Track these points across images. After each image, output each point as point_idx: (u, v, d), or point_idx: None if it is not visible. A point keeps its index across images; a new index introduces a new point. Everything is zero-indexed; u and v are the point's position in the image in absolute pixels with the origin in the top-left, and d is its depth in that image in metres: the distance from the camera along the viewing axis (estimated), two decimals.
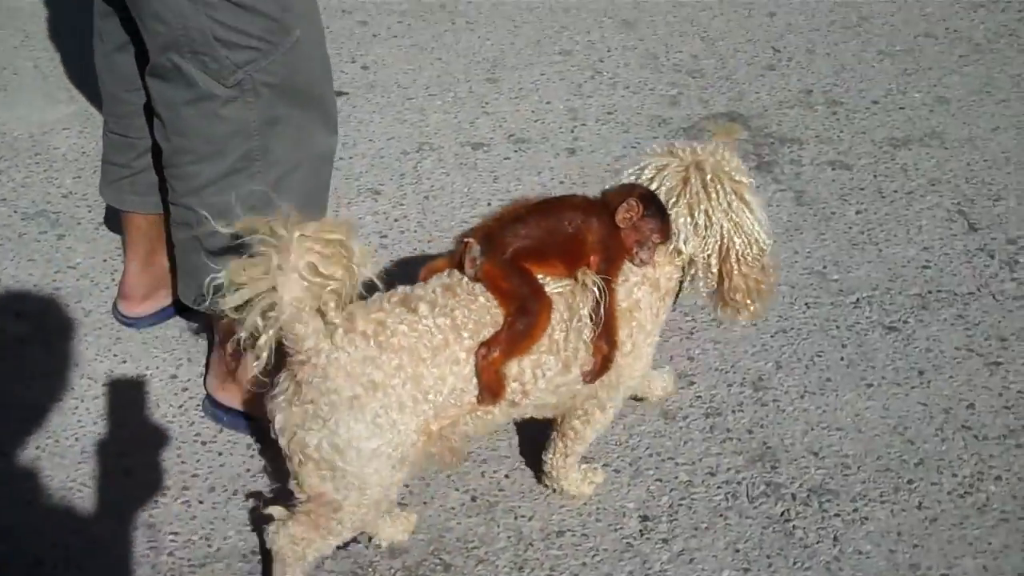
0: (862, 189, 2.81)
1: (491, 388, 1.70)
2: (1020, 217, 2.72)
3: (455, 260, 1.73)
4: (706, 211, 1.79)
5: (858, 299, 2.47)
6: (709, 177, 1.78)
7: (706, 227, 1.79)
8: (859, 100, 3.16)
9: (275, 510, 1.76)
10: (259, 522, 1.91)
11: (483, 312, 1.69)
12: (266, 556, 1.85)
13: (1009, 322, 2.42)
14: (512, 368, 1.72)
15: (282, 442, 1.68)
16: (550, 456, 2.00)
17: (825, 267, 2.55)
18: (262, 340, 1.55)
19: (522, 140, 2.94)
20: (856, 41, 3.43)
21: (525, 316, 1.68)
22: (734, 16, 3.54)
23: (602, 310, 1.72)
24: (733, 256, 1.80)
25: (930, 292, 2.49)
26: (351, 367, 1.63)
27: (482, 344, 1.68)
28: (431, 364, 1.66)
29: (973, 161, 2.92)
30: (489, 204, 2.67)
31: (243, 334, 1.55)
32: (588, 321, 1.73)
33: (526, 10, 3.53)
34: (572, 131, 2.99)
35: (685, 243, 1.80)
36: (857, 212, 2.73)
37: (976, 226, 2.68)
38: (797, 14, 3.56)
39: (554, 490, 2.04)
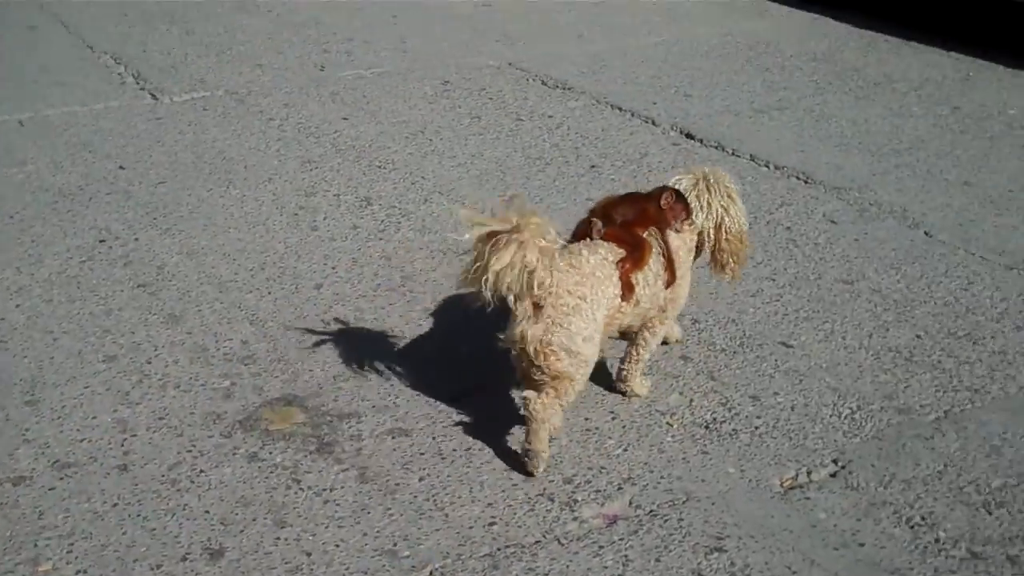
0: (423, 454, 2.84)
1: (628, 287, 2.78)
2: (572, 455, 2.83)
3: (581, 233, 2.89)
4: (708, 200, 2.99)
5: (430, 572, 2.46)
6: (711, 181, 3.01)
7: (708, 209, 2.99)
8: (412, 362, 3.22)
9: (529, 393, 2.68)
10: None
11: (608, 252, 2.77)
12: None
13: (576, 564, 2.48)
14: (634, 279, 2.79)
15: (529, 349, 2.64)
16: (626, 364, 3.02)
17: (395, 544, 2.53)
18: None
19: (68, 465, 2.78)
20: (401, 302, 3.54)
21: (637, 250, 2.81)
22: (281, 293, 3.57)
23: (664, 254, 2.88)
24: (724, 229, 3.00)
25: (499, 549, 2.52)
26: (570, 288, 2.66)
27: (619, 262, 2.76)
28: (604, 281, 2.72)
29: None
30: None
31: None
32: (660, 258, 2.87)
33: (65, 319, 3.40)
34: (122, 445, 2.85)
35: (697, 218, 2.99)
36: (420, 479, 2.75)
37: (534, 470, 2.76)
38: (343, 283, 3.64)
39: (624, 393, 3.04)
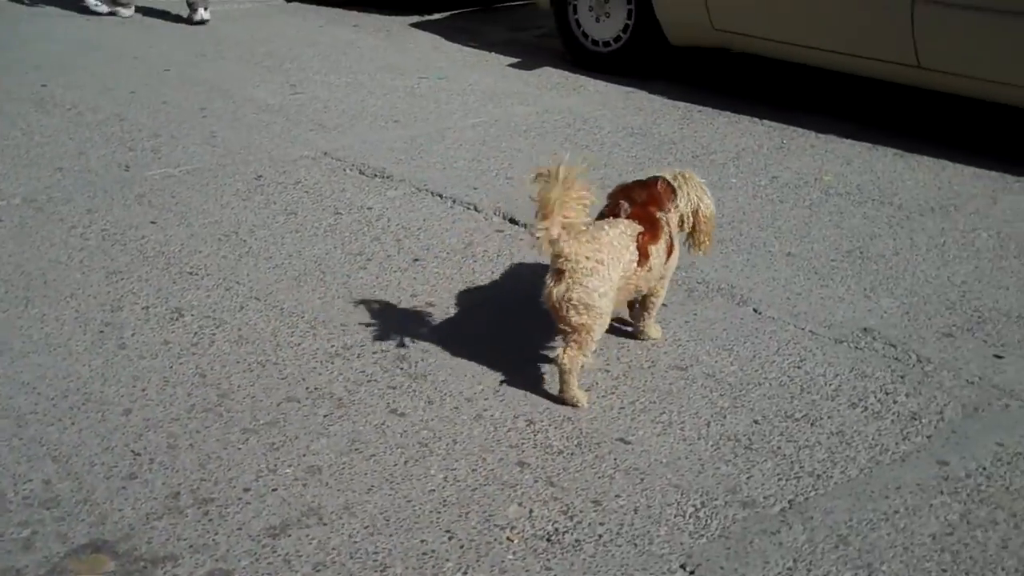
0: None
1: (644, 255, 3.42)
2: None
3: (609, 212, 3.52)
4: (687, 190, 3.65)
5: None
6: (687, 176, 3.69)
7: (688, 197, 3.64)
8: (230, 491, 3.01)
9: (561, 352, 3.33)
10: None
11: (628, 228, 3.41)
12: None
13: None
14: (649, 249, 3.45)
15: (557, 305, 3.29)
16: (641, 322, 3.78)
17: None
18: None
19: None
20: (219, 423, 3.31)
21: (654, 226, 3.48)
22: (86, 423, 3.31)
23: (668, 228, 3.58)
24: (700, 213, 3.66)
25: None
26: (588, 254, 3.27)
27: (640, 234, 3.41)
28: (621, 249, 3.35)
29: (355, 533, 2.85)
30: None
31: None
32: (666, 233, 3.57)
33: None
34: None
35: (680, 202, 3.63)
36: None
37: None
38: (155, 406, 3.40)
39: (642, 339, 3.80)
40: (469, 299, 4.09)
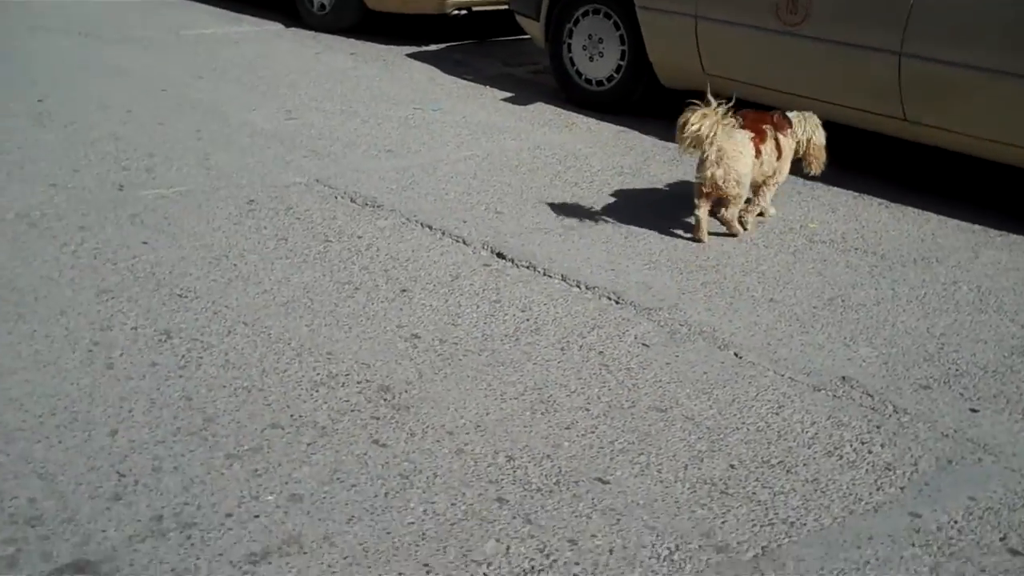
0: None
1: (757, 150, 5.05)
2: None
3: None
4: (804, 125, 5.37)
5: None
6: (807, 116, 5.41)
7: (804, 129, 5.35)
8: (213, 516, 3.05)
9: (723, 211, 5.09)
10: None
11: (746, 135, 5.06)
12: None
13: None
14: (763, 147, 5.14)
15: (716, 181, 4.99)
16: (760, 203, 5.39)
17: None
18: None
19: None
20: (203, 448, 3.35)
21: (761, 134, 5.13)
22: (73, 442, 3.34)
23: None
24: (812, 141, 5.36)
25: None
26: (736, 148, 5.00)
27: (752, 137, 5.07)
28: (747, 144, 5.04)
29: (334, 563, 2.89)
30: None
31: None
32: (773, 141, 5.23)
33: None
34: None
35: (797, 131, 5.32)
36: None
37: None
38: (141, 428, 3.44)
39: (765, 217, 5.47)
40: (454, 332, 4.14)
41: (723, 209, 5.11)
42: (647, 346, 4.11)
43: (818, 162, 5.38)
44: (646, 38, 6.90)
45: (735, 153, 4.94)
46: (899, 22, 5.67)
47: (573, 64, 7.39)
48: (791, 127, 5.29)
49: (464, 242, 5.00)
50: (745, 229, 5.25)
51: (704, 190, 5.01)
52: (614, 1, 7.08)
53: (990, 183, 6.14)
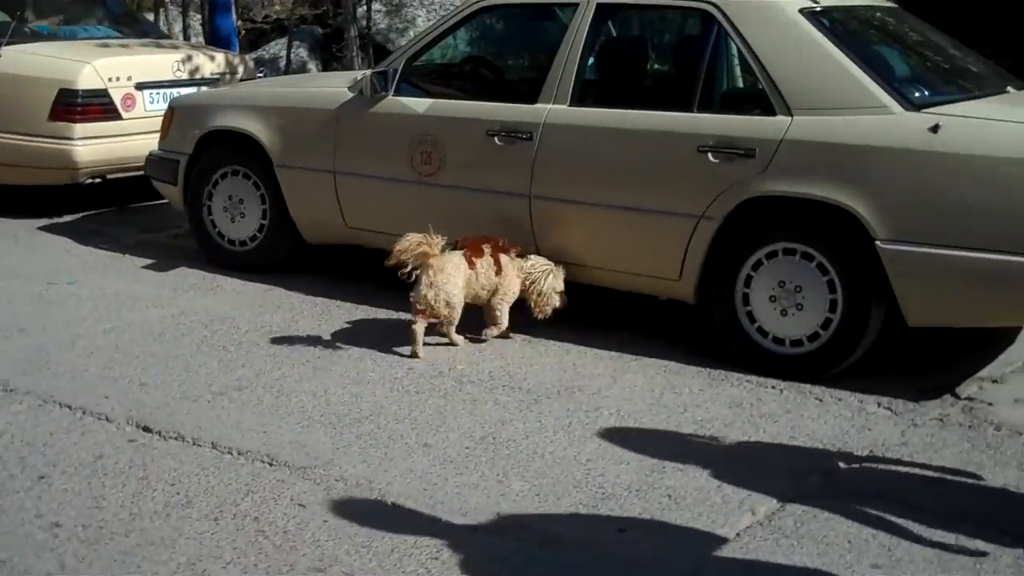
0: None
1: (471, 263, 5.64)
2: None
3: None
4: (538, 270, 5.88)
5: None
6: (545, 264, 5.95)
7: (534, 272, 5.84)
8: None
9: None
10: None
11: (460, 255, 5.66)
12: None
13: None
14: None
15: (428, 302, 5.53)
16: (492, 330, 5.90)
17: None
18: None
19: None
20: None
21: (477, 251, 5.71)
22: None
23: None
24: (535, 286, 5.84)
25: None
26: (445, 272, 5.53)
27: (465, 256, 5.65)
28: (459, 266, 5.59)
29: None
30: None
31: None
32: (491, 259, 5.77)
33: None
34: None
35: (526, 265, 5.86)
36: None
37: None
38: None
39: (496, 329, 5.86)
40: (99, 516, 3.95)
41: (439, 326, 5.64)
42: (303, 506, 4.06)
43: (541, 311, 5.82)
44: (287, 196, 6.95)
45: (446, 276, 5.44)
46: (527, 168, 5.99)
47: (215, 226, 7.33)
48: (515, 248, 5.77)
49: (107, 419, 4.80)
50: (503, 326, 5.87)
51: (419, 307, 5.48)
52: (253, 162, 7.10)
53: (623, 310, 6.51)
